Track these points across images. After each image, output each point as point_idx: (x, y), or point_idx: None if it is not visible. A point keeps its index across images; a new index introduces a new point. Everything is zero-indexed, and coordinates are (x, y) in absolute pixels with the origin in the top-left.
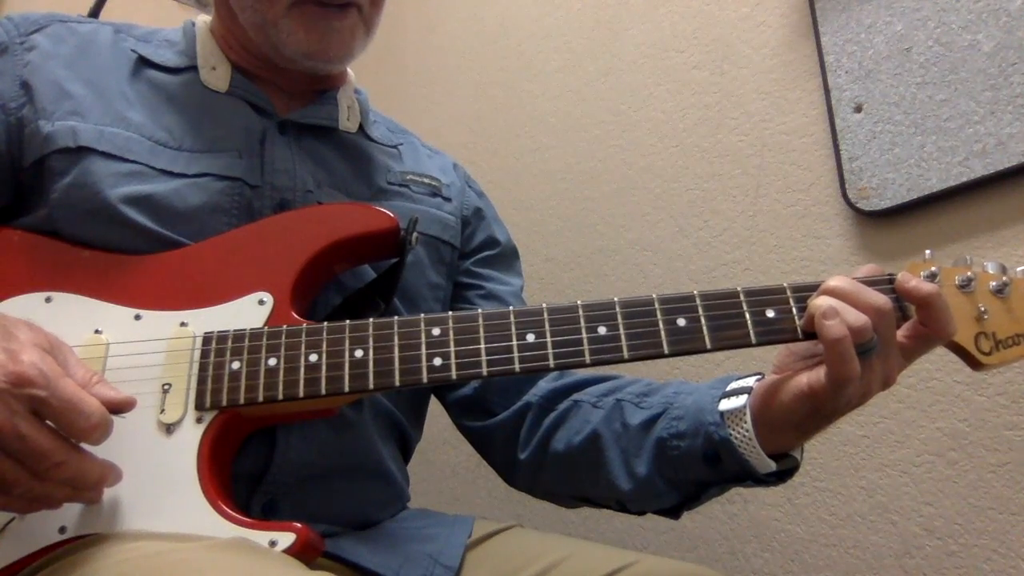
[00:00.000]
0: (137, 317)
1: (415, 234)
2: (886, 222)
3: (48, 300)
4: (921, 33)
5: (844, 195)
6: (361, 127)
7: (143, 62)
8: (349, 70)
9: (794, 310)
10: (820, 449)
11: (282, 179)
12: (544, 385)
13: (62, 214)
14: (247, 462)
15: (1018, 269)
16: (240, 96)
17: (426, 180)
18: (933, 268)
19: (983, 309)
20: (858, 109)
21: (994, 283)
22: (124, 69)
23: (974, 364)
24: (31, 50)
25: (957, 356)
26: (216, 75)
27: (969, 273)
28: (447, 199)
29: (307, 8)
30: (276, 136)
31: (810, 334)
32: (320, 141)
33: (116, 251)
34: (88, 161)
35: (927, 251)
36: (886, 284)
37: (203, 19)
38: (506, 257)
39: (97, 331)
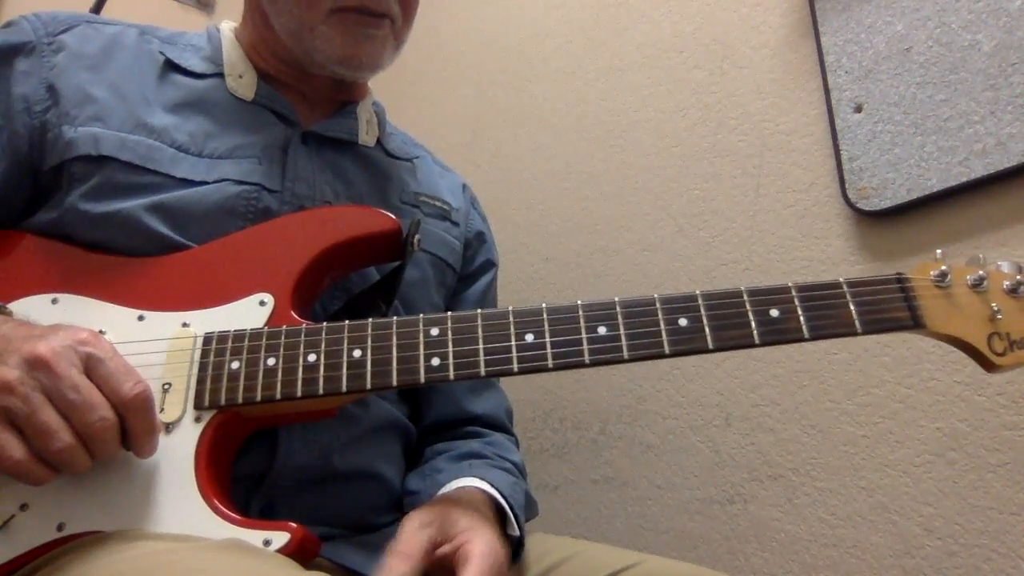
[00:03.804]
0: (140, 318)
1: (417, 236)
2: (886, 222)
3: (54, 301)
4: (921, 33)
5: (844, 195)
6: (379, 141)
7: (170, 65)
8: (368, 84)
9: (799, 309)
10: (820, 449)
11: (302, 187)
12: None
13: (77, 218)
14: (249, 464)
15: None
16: (265, 105)
17: (438, 203)
18: (944, 267)
19: (996, 308)
20: (858, 109)
21: (1008, 282)
22: (150, 71)
23: (987, 366)
24: (58, 52)
25: (970, 358)
26: (242, 83)
27: (981, 272)
28: (455, 224)
29: (346, 15)
30: (299, 146)
31: (818, 335)
32: (340, 153)
33: (126, 253)
34: (109, 170)
35: (938, 251)
36: (893, 283)
37: (228, 25)
38: (495, 284)
39: (101, 331)
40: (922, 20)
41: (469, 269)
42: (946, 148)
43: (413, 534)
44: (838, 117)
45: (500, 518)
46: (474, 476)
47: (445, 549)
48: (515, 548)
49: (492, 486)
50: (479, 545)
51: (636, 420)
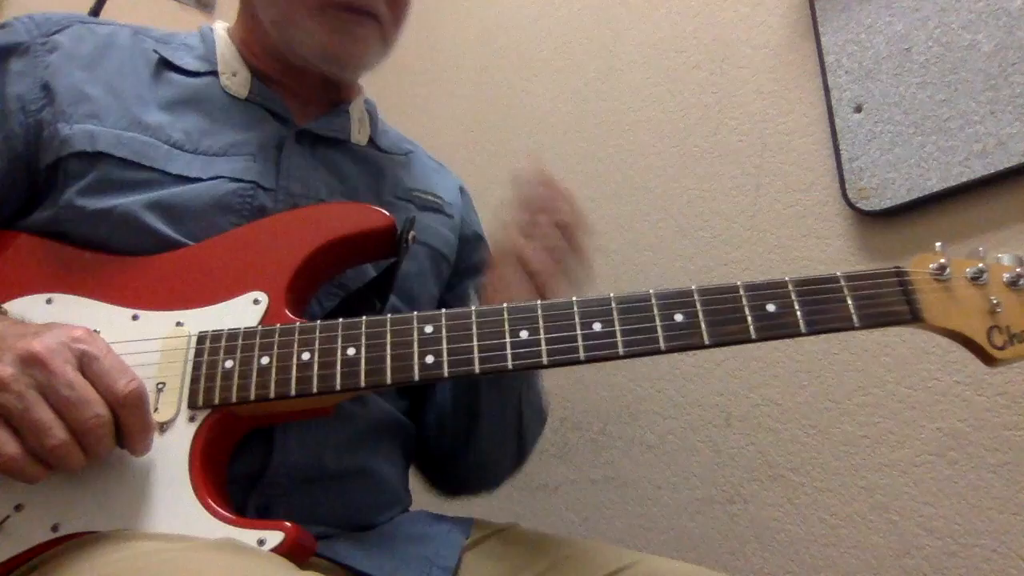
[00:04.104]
0: (135, 317)
1: (412, 233)
2: (886, 222)
3: (49, 301)
4: (921, 33)
5: (844, 195)
6: (371, 139)
7: (164, 64)
8: (360, 83)
9: (796, 304)
10: (820, 449)
11: (296, 186)
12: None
13: (73, 215)
14: (244, 464)
15: None
16: (259, 103)
17: (431, 197)
18: (943, 260)
19: (996, 302)
20: (858, 109)
21: (1008, 275)
22: (145, 70)
23: (987, 359)
24: (52, 51)
25: (970, 352)
26: (236, 81)
27: (981, 265)
28: (449, 216)
29: (331, 12)
30: (293, 144)
31: (815, 330)
32: (333, 151)
33: (122, 252)
34: (105, 166)
35: (937, 244)
36: (892, 277)
37: (221, 24)
38: None
39: (95, 331)
40: (922, 20)
41: (465, 264)
42: (946, 148)
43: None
44: (838, 117)
45: None
46: None
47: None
48: None
49: None
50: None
51: (636, 420)
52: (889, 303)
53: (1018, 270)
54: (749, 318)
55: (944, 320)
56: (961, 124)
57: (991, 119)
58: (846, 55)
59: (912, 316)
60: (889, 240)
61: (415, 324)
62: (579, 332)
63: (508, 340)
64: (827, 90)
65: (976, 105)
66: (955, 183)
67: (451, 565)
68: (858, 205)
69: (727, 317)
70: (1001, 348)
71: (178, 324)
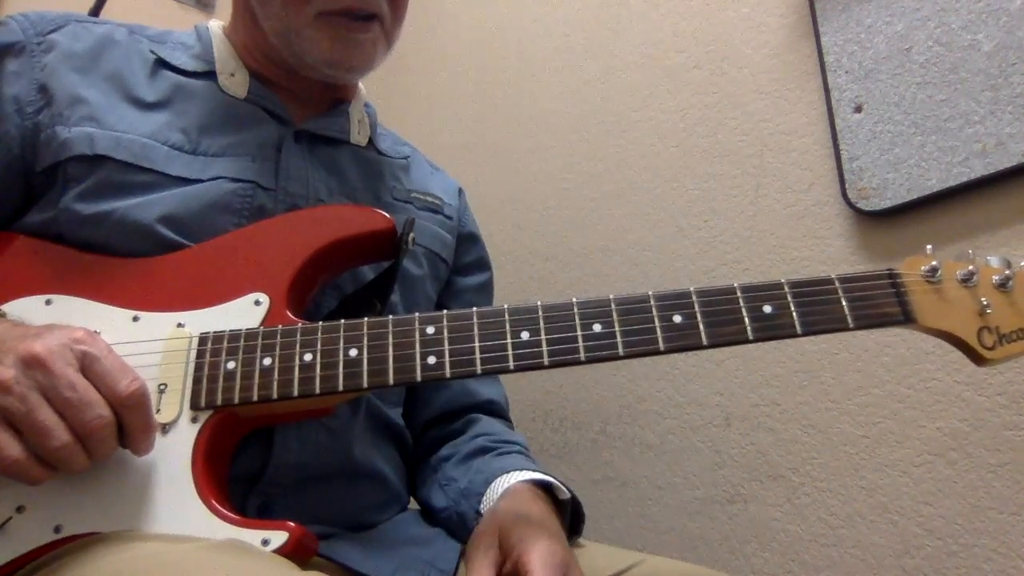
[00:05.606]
0: (135, 318)
1: (411, 235)
2: (886, 222)
3: (48, 303)
4: (921, 33)
5: (844, 195)
6: (370, 140)
7: (160, 63)
8: (360, 85)
9: (792, 305)
10: (820, 449)
11: (295, 186)
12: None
13: (71, 218)
14: (244, 463)
15: (1023, 263)
16: (257, 103)
17: (429, 199)
18: (934, 262)
19: (985, 303)
20: (858, 109)
21: (997, 277)
22: (141, 69)
23: (977, 359)
24: (48, 51)
25: (960, 352)
26: (234, 81)
27: (971, 267)
28: (448, 217)
29: (333, 19)
30: (292, 144)
31: (810, 331)
32: (332, 151)
33: (122, 255)
34: (105, 170)
35: (928, 246)
36: (885, 279)
37: (216, 23)
38: (489, 287)
39: (96, 332)
40: (922, 20)
41: (460, 263)
42: (946, 148)
43: (480, 562)
44: (838, 117)
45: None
46: (499, 471)
47: (507, 568)
48: (574, 510)
49: (520, 470)
50: (535, 553)
51: (636, 420)
52: (882, 304)
53: (1007, 272)
54: (746, 319)
55: (936, 321)
56: (961, 124)
57: (991, 119)
58: (846, 55)
59: (904, 317)
60: (889, 240)
61: (417, 325)
62: (579, 333)
63: (509, 341)
64: (827, 90)
65: (976, 105)
66: (955, 183)
67: (450, 568)
68: (858, 205)
69: (725, 318)
70: (991, 348)
71: (179, 325)
